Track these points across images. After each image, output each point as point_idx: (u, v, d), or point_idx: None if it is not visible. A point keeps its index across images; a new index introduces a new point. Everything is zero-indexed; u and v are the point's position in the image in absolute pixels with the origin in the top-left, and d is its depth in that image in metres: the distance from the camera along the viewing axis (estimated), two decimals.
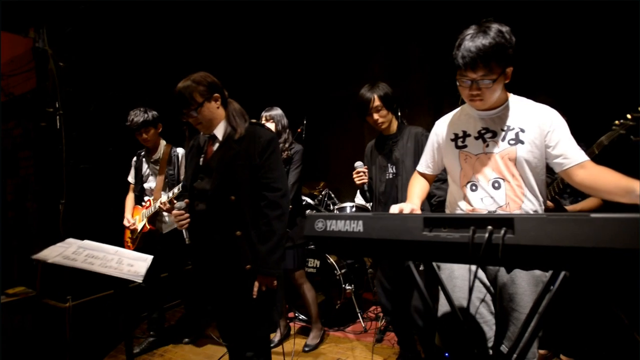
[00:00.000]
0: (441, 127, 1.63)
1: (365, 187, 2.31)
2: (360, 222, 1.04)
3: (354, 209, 3.33)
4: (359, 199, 3.49)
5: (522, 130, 1.41)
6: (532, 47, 2.66)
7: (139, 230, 2.78)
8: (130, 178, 2.93)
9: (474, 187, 1.48)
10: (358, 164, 2.31)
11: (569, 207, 2.01)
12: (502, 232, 0.86)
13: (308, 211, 3.29)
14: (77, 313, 2.91)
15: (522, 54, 1.53)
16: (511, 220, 0.87)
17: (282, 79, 4.73)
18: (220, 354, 2.69)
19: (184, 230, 1.75)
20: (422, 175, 1.72)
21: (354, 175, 2.31)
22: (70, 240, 1.70)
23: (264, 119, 2.69)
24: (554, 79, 2.93)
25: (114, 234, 2.73)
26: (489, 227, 0.88)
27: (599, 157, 1.39)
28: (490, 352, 1.42)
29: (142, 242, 2.79)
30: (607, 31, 2.72)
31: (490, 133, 1.46)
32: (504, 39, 1.29)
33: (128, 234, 2.87)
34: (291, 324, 3.11)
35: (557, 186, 1.86)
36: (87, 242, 1.73)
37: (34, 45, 2.93)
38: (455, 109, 1.62)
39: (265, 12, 4.18)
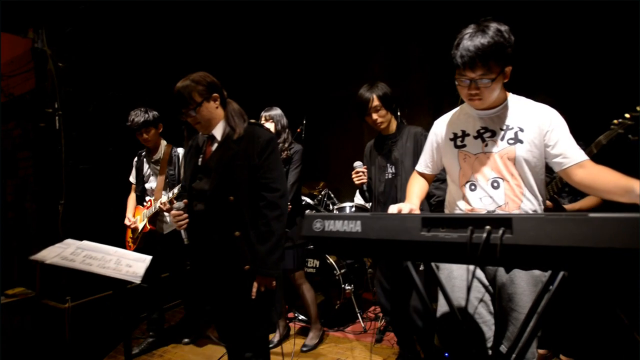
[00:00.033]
0: (440, 127, 1.62)
1: (365, 187, 2.30)
2: (359, 222, 1.04)
3: (353, 209, 3.33)
4: (359, 199, 3.49)
5: (521, 130, 1.41)
6: (531, 46, 2.66)
7: (139, 230, 2.78)
8: (132, 178, 2.93)
9: (473, 187, 1.48)
10: (357, 164, 2.31)
11: (568, 206, 2.01)
12: (501, 232, 0.86)
13: (307, 211, 3.29)
14: (77, 314, 2.91)
15: (522, 53, 1.52)
16: (509, 220, 0.86)
17: (282, 79, 4.73)
18: (220, 354, 2.68)
19: (182, 231, 1.74)
20: (421, 175, 1.71)
21: (353, 175, 2.30)
22: (69, 240, 1.70)
23: (263, 118, 2.69)
24: (552, 79, 2.92)
25: (113, 234, 2.72)
26: (487, 227, 0.88)
27: (597, 157, 1.39)
28: (490, 352, 1.41)
29: (142, 242, 2.79)
30: (606, 31, 2.71)
31: (489, 132, 1.46)
32: (502, 38, 1.29)
33: (129, 234, 2.88)
34: (291, 325, 3.11)
35: (555, 186, 1.86)
36: (85, 242, 1.73)
37: (33, 46, 2.93)
38: (454, 109, 1.62)
39: (265, 12, 4.19)
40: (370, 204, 2.39)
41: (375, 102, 2.14)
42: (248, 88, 4.19)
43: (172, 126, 2.78)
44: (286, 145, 2.66)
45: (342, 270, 3.06)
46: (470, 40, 1.29)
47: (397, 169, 2.16)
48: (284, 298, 2.94)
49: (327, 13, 4.19)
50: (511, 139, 1.41)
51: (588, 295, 2.02)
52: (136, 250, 2.77)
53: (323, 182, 4.15)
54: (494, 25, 1.30)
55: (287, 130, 2.70)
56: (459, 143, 1.52)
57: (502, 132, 1.43)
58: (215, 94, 1.73)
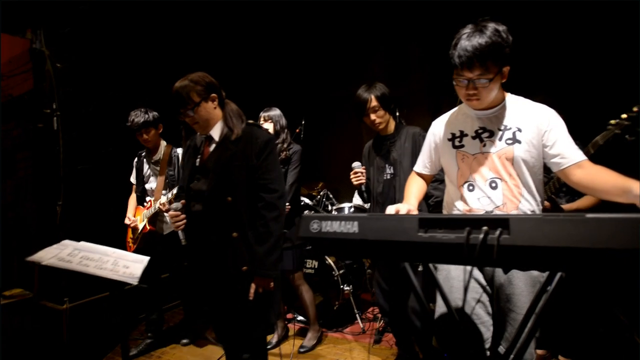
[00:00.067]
0: (438, 127, 1.62)
1: (363, 187, 2.30)
2: (356, 223, 1.03)
3: (352, 210, 3.32)
4: (357, 200, 3.48)
5: (520, 130, 1.40)
6: (529, 46, 2.65)
7: (139, 230, 2.77)
8: (132, 179, 2.93)
9: (471, 187, 1.48)
10: (356, 164, 2.30)
11: (565, 206, 2.00)
12: (498, 232, 0.86)
13: (306, 212, 3.28)
14: (74, 315, 2.90)
15: (520, 53, 1.52)
16: (506, 221, 0.86)
17: (282, 79, 4.72)
18: (218, 355, 2.68)
19: (180, 232, 1.74)
20: (420, 175, 1.71)
21: (352, 176, 2.30)
22: (66, 241, 1.69)
23: (262, 119, 2.69)
24: (549, 79, 2.92)
25: (112, 234, 2.72)
26: (484, 227, 0.87)
27: (594, 157, 1.38)
28: (488, 353, 1.41)
29: (142, 243, 2.79)
30: (603, 31, 2.71)
31: (487, 132, 1.45)
32: (500, 38, 1.29)
33: (130, 234, 2.87)
34: (291, 326, 3.10)
35: (553, 186, 1.86)
36: (83, 243, 1.72)
37: (31, 47, 2.92)
38: (452, 109, 1.62)
39: (265, 12, 4.18)
40: (369, 204, 2.38)
41: (374, 103, 2.13)
42: (248, 88, 4.19)
43: (171, 126, 2.78)
44: (285, 145, 2.66)
45: (341, 271, 3.06)
46: (468, 40, 1.29)
47: (396, 169, 2.16)
48: (282, 299, 2.93)
49: (327, 13, 4.18)
50: (509, 139, 1.41)
51: (587, 295, 2.02)
52: (136, 250, 2.78)
53: (322, 182, 4.14)
54: (491, 25, 1.30)
55: (286, 130, 2.70)
56: (457, 143, 1.52)
57: (500, 133, 1.43)
58: (213, 95, 1.73)
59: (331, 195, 3.94)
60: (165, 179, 2.75)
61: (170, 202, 2.45)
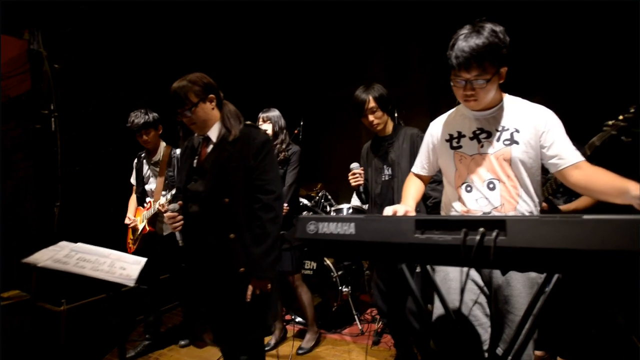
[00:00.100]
0: (436, 128, 1.62)
1: (361, 188, 2.30)
2: (352, 225, 1.03)
3: (350, 211, 3.32)
4: (356, 201, 3.48)
5: (517, 131, 1.40)
6: (526, 47, 2.65)
7: (139, 231, 2.77)
8: (132, 180, 2.93)
9: (468, 188, 1.47)
10: (354, 165, 2.30)
11: (563, 207, 2.00)
12: (494, 234, 0.85)
13: (304, 213, 3.28)
14: (72, 316, 2.89)
15: (517, 54, 1.52)
16: (503, 222, 0.86)
17: (282, 79, 4.72)
18: (216, 357, 2.67)
19: (177, 233, 1.73)
20: (418, 176, 1.70)
21: (350, 177, 2.30)
22: (63, 243, 1.68)
23: (261, 120, 2.68)
24: (546, 80, 2.92)
25: (110, 235, 2.71)
26: (481, 229, 0.87)
27: (591, 158, 1.38)
28: (486, 355, 1.40)
29: (142, 244, 2.79)
30: (600, 31, 2.71)
31: (485, 133, 1.45)
32: (497, 39, 1.28)
33: (130, 235, 2.87)
34: (290, 327, 3.10)
35: (550, 187, 1.85)
36: (79, 245, 1.71)
37: (29, 47, 2.91)
38: (450, 110, 1.61)
39: (265, 12, 4.18)
40: (367, 205, 2.38)
41: (372, 104, 2.13)
42: (247, 89, 4.19)
43: (171, 127, 2.78)
44: (284, 146, 2.66)
45: (339, 272, 3.05)
46: (465, 41, 1.29)
47: (394, 170, 2.16)
48: (281, 300, 2.93)
49: (327, 13, 4.18)
50: (507, 140, 1.41)
51: (585, 297, 2.02)
52: (136, 251, 2.78)
53: (321, 183, 4.14)
54: (488, 26, 1.30)
55: (284, 131, 2.69)
56: (454, 144, 1.51)
57: (498, 133, 1.43)
58: (211, 95, 1.73)
59: (330, 197, 3.93)
60: (164, 180, 2.74)
61: (169, 202, 2.45)
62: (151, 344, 2.86)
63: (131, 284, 1.52)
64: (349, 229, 1.03)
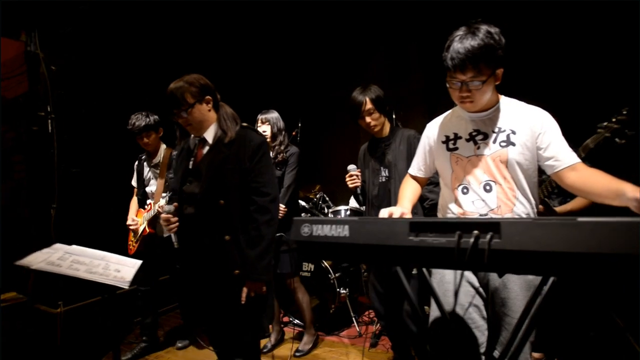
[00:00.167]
0: (432, 130, 1.61)
1: (359, 190, 2.29)
2: (347, 227, 1.03)
3: (348, 213, 3.31)
4: (354, 203, 3.47)
5: (514, 132, 1.40)
6: (523, 48, 2.65)
7: (139, 232, 2.76)
8: (133, 182, 2.93)
9: (465, 190, 1.46)
10: (351, 167, 2.29)
11: (558, 208, 1.99)
12: (488, 237, 0.85)
13: (303, 214, 3.27)
14: (69, 318, 2.88)
15: (513, 55, 1.52)
16: (497, 225, 0.85)
17: (282, 79, 4.72)
18: (213, 359, 2.65)
19: (172, 234, 1.72)
20: (414, 178, 1.70)
21: (347, 179, 2.29)
22: (57, 245, 1.67)
23: (259, 121, 2.68)
24: (540, 81, 2.91)
25: (107, 237, 2.70)
26: (475, 231, 0.86)
27: (585, 160, 1.38)
28: (483, 357, 1.39)
29: (142, 246, 2.78)
30: (594, 33, 2.71)
31: (481, 135, 1.45)
32: (493, 40, 1.28)
33: (131, 236, 2.86)
34: (290, 329, 3.09)
35: (545, 189, 1.85)
36: (74, 247, 1.71)
37: (26, 49, 2.91)
38: (447, 111, 1.61)
39: (264, 12, 4.17)
40: (364, 207, 2.37)
41: (368, 106, 2.13)
42: (246, 90, 4.19)
43: (171, 130, 2.78)
44: (282, 147, 2.65)
45: (337, 274, 3.04)
46: (460, 43, 1.28)
47: (391, 172, 2.15)
48: (279, 302, 2.91)
49: (327, 13, 4.18)
50: (503, 141, 1.40)
51: (582, 299, 2.01)
52: (136, 252, 2.77)
53: (319, 185, 4.13)
54: (484, 27, 1.29)
55: (283, 132, 2.69)
56: (451, 146, 1.51)
57: (494, 135, 1.42)
58: (208, 97, 1.72)
59: (327, 198, 3.92)
60: (165, 182, 2.74)
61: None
62: (148, 346, 2.85)
63: (126, 286, 1.51)
64: (343, 231, 1.03)
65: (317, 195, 3.88)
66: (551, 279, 0.99)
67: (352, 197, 3.52)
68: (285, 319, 3.21)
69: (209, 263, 1.67)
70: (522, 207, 1.40)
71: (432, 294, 1.29)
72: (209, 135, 1.74)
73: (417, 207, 2.10)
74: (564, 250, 0.78)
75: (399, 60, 4.14)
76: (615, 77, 2.54)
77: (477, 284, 1.45)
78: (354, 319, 3.09)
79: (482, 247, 0.85)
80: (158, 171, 2.79)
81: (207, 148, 1.75)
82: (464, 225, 0.89)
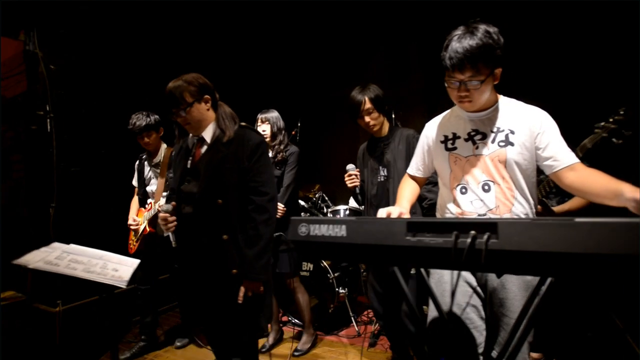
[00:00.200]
0: (431, 129, 1.61)
1: (357, 190, 2.29)
2: (344, 227, 1.02)
3: (347, 212, 3.31)
4: (354, 203, 3.47)
5: (512, 132, 1.39)
6: (520, 48, 2.64)
7: (140, 232, 2.76)
8: (134, 181, 2.93)
9: (463, 190, 1.46)
10: (350, 166, 2.29)
11: (556, 208, 1.99)
12: (486, 237, 0.84)
13: (302, 214, 3.26)
14: (68, 317, 2.88)
15: (512, 55, 1.51)
16: (495, 225, 0.85)
17: (282, 79, 4.71)
18: (212, 358, 2.65)
19: (170, 234, 1.72)
20: (413, 178, 1.69)
21: (346, 178, 2.29)
22: (55, 244, 1.67)
23: (259, 120, 2.68)
24: (536, 81, 2.91)
25: (107, 236, 2.71)
26: (472, 232, 0.86)
27: (583, 160, 1.37)
28: (481, 358, 1.39)
29: (143, 245, 2.78)
30: (591, 33, 2.71)
31: (479, 135, 1.44)
32: (491, 40, 1.27)
33: (132, 235, 2.87)
34: (290, 329, 3.08)
35: (544, 189, 1.85)
36: (72, 246, 1.71)
37: (25, 48, 2.90)
38: (445, 111, 1.61)
39: (265, 12, 4.17)
40: (363, 206, 2.37)
41: (367, 105, 2.12)
42: (247, 89, 4.19)
43: (171, 129, 2.78)
44: (282, 147, 2.65)
45: (336, 274, 3.03)
46: (459, 42, 1.28)
47: (389, 171, 2.15)
48: (278, 302, 2.91)
49: (327, 13, 4.17)
50: (502, 141, 1.40)
51: (581, 299, 2.01)
52: (136, 251, 2.77)
53: (318, 184, 4.12)
54: (482, 27, 1.29)
55: (283, 132, 2.69)
56: (449, 145, 1.50)
57: (493, 135, 1.42)
58: (207, 96, 1.72)
59: (326, 198, 3.91)
60: (165, 181, 2.74)
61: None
62: (147, 345, 2.85)
63: (123, 285, 1.50)
64: (340, 231, 1.02)
65: (317, 195, 3.87)
66: (549, 280, 0.98)
67: (351, 197, 3.52)
68: (284, 318, 3.21)
69: (207, 262, 1.67)
70: (520, 207, 1.40)
71: (430, 294, 1.29)
72: (208, 134, 1.74)
73: (416, 207, 2.10)
74: (562, 251, 0.78)
75: (399, 60, 4.13)
76: (612, 77, 2.54)
77: (475, 284, 1.45)
78: (352, 318, 3.09)
79: (479, 248, 0.85)
80: (159, 170, 2.79)
81: (205, 147, 1.74)
82: (461, 226, 0.88)
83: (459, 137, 1.48)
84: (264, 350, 2.76)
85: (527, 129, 1.38)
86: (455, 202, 1.48)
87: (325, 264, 3.05)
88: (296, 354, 2.70)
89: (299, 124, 3.42)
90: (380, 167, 2.20)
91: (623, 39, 2.48)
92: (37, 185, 3.03)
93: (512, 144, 1.38)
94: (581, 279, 1.87)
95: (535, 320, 1.06)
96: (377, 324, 2.91)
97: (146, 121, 2.66)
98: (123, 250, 2.76)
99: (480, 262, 0.84)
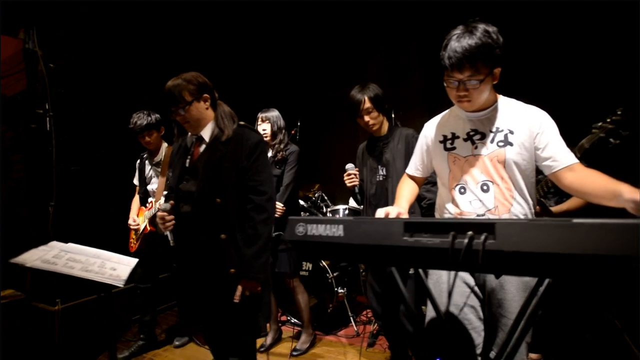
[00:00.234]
0: (430, 129, 1.60)
1: (356, 189, 2.28)
2: (341, 227, 1.02)
3: (346, 212, 3.30)
4: (353, 203, 3.46)
5: (511, 132, 1.39)
6: (519, 48, 2.64)
7: (140, 231, 2.77)
8: (135, 180, 2.93)
9: (462, 190, 1.45)
10: (349, 166, 2.29)
11: (554, 209, 1.99)
12: (483, 237, 0.84)
13: (302, 213, 3.26)
14: (67, 316, 2.88)
15: (512, 54, 1.51)
16: (492, 226, 0.84)
17: (281, 79, 4.71)
18: (211, 358, 2.65)
19: (168, 233, 1.72)
20: (412, 178, 1.69)
21: (345, 178, 2.28)
22: (53, 243, 1.67)
23: (260, 119, 2.68)
24: (534, 81, 2.90)
25: (107, 235, 2.70)
26: (469, 232, 0.85)
27: (580, 160, 1.37)
28: (479, 359, 1.39)
29: (143, 244, 2.78)
30: (588, 33, 2.70)
31: (479, 135, 1.44)
32: (490, 39, 1.27)
33: (132, 234, 2.87)
34: (288, 328, 3.08)
35: (542, 189, 1.84)
36: (70, 245, 1.70)
37: (24, 47, 2.90)
38: (444, 111, 1.60)
39: (265, 12, 4.16)
40: (362, 206, 2.36)
41: (367, 104, 2.12)
42: (247, 89, 4.19)
43: (172, 128, 2.77)
44: (282, 146, 2.65)
45: (335, 274, 3.03)
46: (458, 42, 1.27)
47: (388, 171, 2.14)
48: (277, 301, 2.91)
49: (327, 13, 4.17)
50: (501, 141, 1.39)
51: (580, 299, 2.00)
52: (137, 250, 2.78)
53: (318, 184, 4.12)
54: (481, 26, 1.28)
55: (283, 131, 2.69)
56: (448, 145, 1.50)
57: (492, 135, 1.41)
58: (206, 95, 1.72)
59: (326, 197, 3.91)
60: (166, 180, 2.74)
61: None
62: (145, 344, 2.85)
63: (121, 284, 1.50)
64: (338, 231, 1.02)
65: (316, 195, 3.87)
66: (547, 281, 0.98)
67: (351, 197, 3.52)
68: (283, 317, 3.21)
69: (206, 261, 1.66)
70: (519, 207, 1.39)
71: (428, 295, 1.28)
72: (206, 133, 1.74)
73: (415, 207, 2.09)
74: (559, 252, 0.77)
75: (399, 60, 4.13)
76: (610, 77, 2.53)
77: (474, 284, 1.44)
78: (351, 318, 3.09)
79: (477, 248, 0.84)
80: (159, 169, 2.80)
81: (204, 146, 1.74)
82: (459, 226, 0.88)
83: (458, 137, 1.48)
84: (262, 349, 2.76)
85: (527, 129, 1.37)
86: (454, 202, 1.48)
87: (324, 263, 3.05)
88: (295, 353, 2.69)
89: (298, 124, 3.42)
90: (379, 167, 2.19)
91: (621, 39, 2.47)
92: (37, 185, 3.03)
93: (511, 144, 1.37)
94: (579, 280, 1.86)
95: (533, 321, 1.05)
96: (376, 324, 2.91)
97: (147, 120, 2.66)
98: (123, 249, 2.76)
99: (478, 262, 0.84)
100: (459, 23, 1.35)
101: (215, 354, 1.84)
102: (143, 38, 3.53)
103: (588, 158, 1.55)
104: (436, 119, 1.60)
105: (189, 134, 1.81)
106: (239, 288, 1.62)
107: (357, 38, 4.31)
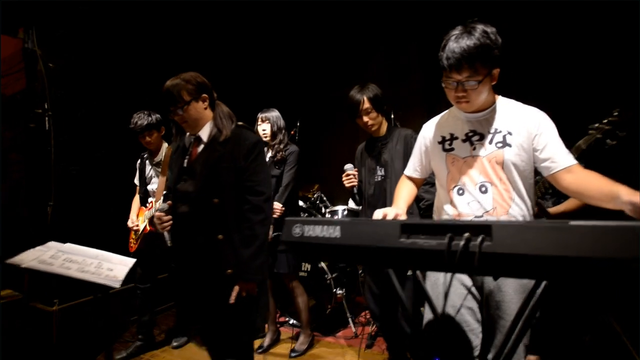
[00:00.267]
0: (429, 130, 1.60)
1: (355, 190, 2.28)
2: (338, 228, 1.01)
3: (345, 213, 3.30)
4: (353, 204, 3.45)
5: (510, 133, 1.38)
6: (518, 48, 2.64)
7: (140, 231, 2.76)
8: (136, 180, 2.93)
9: (460, 191, 1.45)
10: (348, 166, 2.28)
11: (552, 209, 1.98)
12: (479, 239, 0.83)
13: (301, 214, 3.26)
14: (65, 317, 2.87)
15: (511, 55, 1.50)
16: (489, 228, 0.84)
17: (281, 79, 4.71)
18: (209, 358, 2.65)
19: (165, 233, 1.71)
20: (410, 179, 1.68)
21: (344, 178, 2.28)
22: (51, 243, 1.66)
23: (260, 120, 2.68)
24: (536, 80, 2.90)
25: (106, 235, 2.70)
26: (466, 234, 0.85)
27: (579, 161, 1.37)
28: None
29: (143, 244, 2.78)
30: (585, 34, 2.69)
31: (477, 136, 1.43)
32: (489, 40, 1.26)
33: (132, 234, 2.87)
34: (287, 329, 3.07)
35: (539, 190, 1.84)
36: (68, 245, 1.70)
37: (24, 46, 2.90)
38: (443, 112, 1.60)
39: (265, 12, 4.16)
40: (361, 206, 2.36)
41: (366, 105, 2.11)
42: (247, 89, 4.18)
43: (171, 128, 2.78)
44: (282, 146, 2.65)
45: (334, 274, 3.02)
46: (456, 42, 1.27)
47: (387, 171, 2.14)
48: (275, 302, 2.91)
49: (327, 13, 4.17)
50: (499, 142, 1.39)
51: (579, 302, 1.99)
52: (137, 250, 2.77)
53: (317, 184, 4.11)
54: (480, 27, 1.28)
55: (283, 131, 2.69)
56: (447, 146, 1.49)
57: (491, 136, 1.41)
58: (204, 95, 1.72)
59: (325, 198, 3.90)
60: (166, 180, 2.74)
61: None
62: (144, 345, 2.84)
63: (117, 285, 1.50)
64: (335, 232, 1.01)
65: (315, 195, 3.86)
66: (544, 283, 0.97)
67: (350, 198, 3.51)
68: (282, 318, 3.20)
69: (203, 262, 1.66)
70: (518, 208, 1.39)
71: (426, 297, 1.28)
72: (204, 133, 1.74)
73: (413, 208, 2.09)
74: (556, 254, 0.77)
75: (399, 60, 4.13)
76: (607, 78, 2.53)
77: (472, 286, 1.43)
78: (350, 319, 3.08)
79: (473, 250, 0.84)
80: (160, 169, 2.79)
81: (202, 146, 1.74)
82: (455, 228, 0.87)
83: (456, 138, 1.47)
84: (260, 350, 2.75)
85: (525, 130, 1.37)
86: (452, 203, 1.47)
87: (323, 264, 3.04)
88: (293, 354, 2.69)
89: (298, 124, 3.42)
90: (378, 167, 2.19)
91: (620, 39, 2.47)
92: (36, 185, 3.03)
93: (509, 145, 1.37)
94: (576, 283, 1.86)
95: (530, 323, 1.05)
96: (375, 325, 2.91)
97: (147, 120, 2.66)
98: (122, 250, 2.76)
99: (474, 264, 0.84)
100: (459, 23, 1.34)
101: (212, 355, 1.83)
102: (143, 38, 3.53)
103: (585, 159, 1.54)
104: (435, 120, 1.60)
105: (187, 133, 1.80)
106: (235, 289, 1.61)
107: (357, 38, 4.30)
